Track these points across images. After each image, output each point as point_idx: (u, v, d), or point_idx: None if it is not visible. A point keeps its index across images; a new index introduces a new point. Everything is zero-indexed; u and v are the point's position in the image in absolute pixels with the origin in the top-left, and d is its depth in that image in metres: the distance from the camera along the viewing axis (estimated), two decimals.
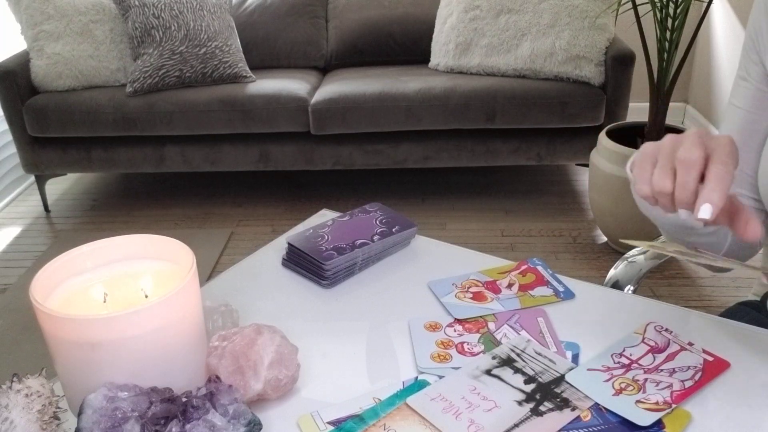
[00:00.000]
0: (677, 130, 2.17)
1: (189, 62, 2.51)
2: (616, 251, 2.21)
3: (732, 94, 0.79)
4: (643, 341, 0.63)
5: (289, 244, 0.78)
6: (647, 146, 0.56)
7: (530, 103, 2.38)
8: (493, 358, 0.62)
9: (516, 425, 0.54)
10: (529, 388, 0.58)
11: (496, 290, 0.73)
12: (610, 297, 0.73)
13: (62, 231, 2.59)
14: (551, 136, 2.46)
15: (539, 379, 0.59)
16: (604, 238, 2.29)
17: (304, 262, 0.76)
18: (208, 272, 2.20)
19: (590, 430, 0.53)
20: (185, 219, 2.62)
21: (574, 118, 2.40)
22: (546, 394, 0.57)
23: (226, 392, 0.51)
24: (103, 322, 0.49)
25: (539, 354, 0.62)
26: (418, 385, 0.59)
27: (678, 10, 1.95)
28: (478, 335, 0.66)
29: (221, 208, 2.68)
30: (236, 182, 2.88)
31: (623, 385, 0.58)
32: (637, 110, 3.02)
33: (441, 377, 0.60)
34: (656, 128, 2.11)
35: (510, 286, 0.74)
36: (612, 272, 0.92)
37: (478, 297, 0.72)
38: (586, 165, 2.50)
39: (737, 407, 0.55)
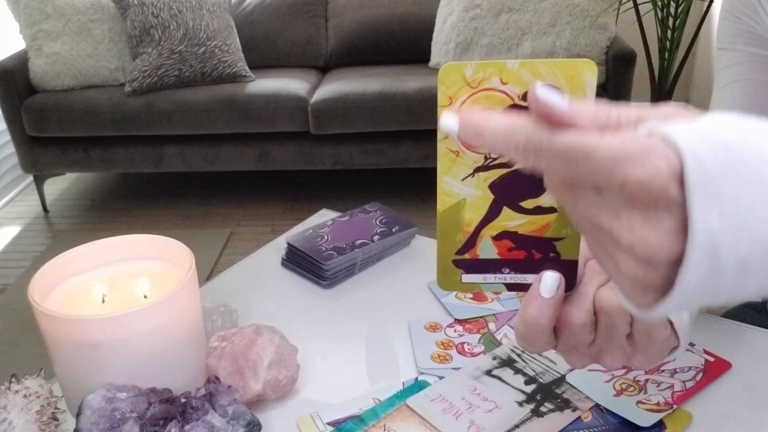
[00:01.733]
0: None
1: (188, 61, 2.51)
2: None
3: (718, 76, 0.74)
4: None
5: (288, 244, 0.78)
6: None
7: None
8: (494, 358, 0.61)
9: (516, 426, 0.53)
10: (530, 388, 0.57)
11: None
12: None
13: (61, 231, 2.59)
14: None
15: (540, 380, 0.58)
16: None
17: (303, 263, 0.76)
18: (207, 272, 2.19)
19: (591, 430, 0.53)
20: (184, 219, 2.62)
21: None
22: (546, 394, 0.57)
23: (225, 393, 0.51)
24: (101, 322, 0.49)
25: (540, 354, 0.62)
26: (418, 386, 0.59)
27: (679, 10, 1.95)
28: (479, 336, 0.65)
29: (220, 208, 2.68)
30: (236, 182, 2.88)
31: (624, 386, 0.57)
32: None
33: (441, 378, 0.59)
34: None
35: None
36: None
37: (478, 297, 0.71)
38: None
39: (738, 408, 0.55)
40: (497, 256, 0.41)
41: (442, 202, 0.40)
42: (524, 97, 0.37)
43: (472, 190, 0.40)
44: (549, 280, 0.40)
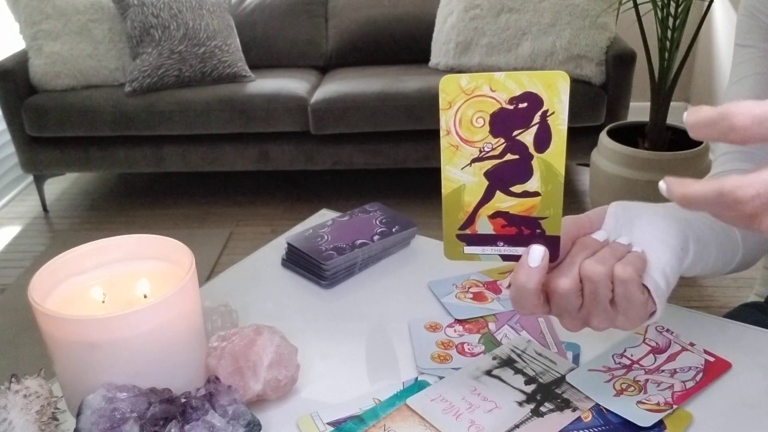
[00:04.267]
0: (679, 130, 2.17)
1: (188, 62, 2.50)
2: None
3: (733, 71, 0.76)
4: (644, 342, 0.63)
5: (288, 244, 0.78)
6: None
7: None
8: (494, 358, 0.61)
9: (516, 426, 0.53)
10: (530, 388, 0.57)
11: (497, 290, 0.73)
12: None
13: (61, 231, 2.59)
14: None
15: (540, 380, 0.58)
16: None
17: (303, 263, 0.76)
18: (207, 272, 2.19)
19: (591, 430, 0.53)
20: (184, 219, 2.62)
21: (575, 118, 2.40)
22: (546, 394, 0.57)
23: (225, 393, 0.51)
24: (101, 322, 0.49)
25: (540, 354, 0.62)
26: (418, 386, 0.59)
27: (679, 9, 1.95)
28: (479, 336, 0.65)
29: (220, 208, 2.68)
30: (235, 182, 2.88)
31: (624, 386, 0.57)
32: (638, 109, 3.02)
33: (441, 378, 0.59)
34: (657, 127, 2.11)
35: (511, 286, 0.73)
36: None
37: (478, 297, 0.71)
38: (587, 165, 2.50)
39: (738, 408, 0.55)
40: (493, 232, 0.49)
41: (446, 186, 0.48)
42: (509, 101, 0.45)
43: (470, 177, 0.47)
44: (535, 252, 0.47)
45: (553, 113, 0.44)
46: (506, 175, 0.46)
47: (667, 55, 2.02)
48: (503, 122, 0.45)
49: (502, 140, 0.46)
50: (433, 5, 2.72)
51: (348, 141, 2.51)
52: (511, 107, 0.45)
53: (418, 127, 2.44)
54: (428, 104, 2.40)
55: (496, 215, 0.48)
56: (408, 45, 2.76)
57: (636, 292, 0.48)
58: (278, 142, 2.53)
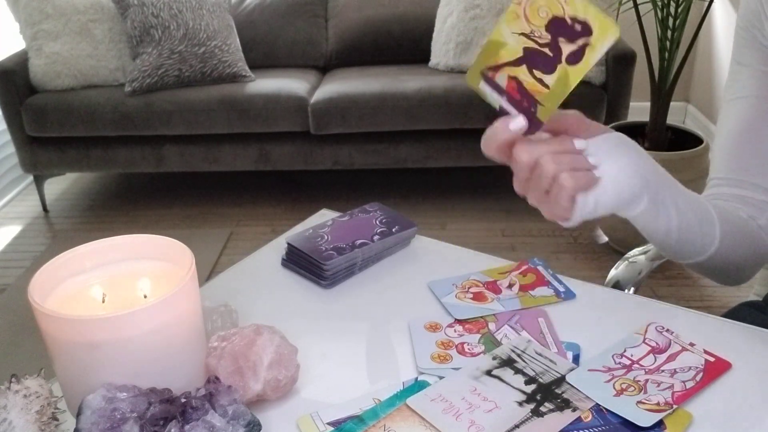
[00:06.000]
0: (679, 130, 2.17)
1: (188, 61, 2.50)
2: (616, 251, 2.20)
3: (728, 88, 0.76)
4: (644, 342, 0.63)
5: (288, 244, 0.78)
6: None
7: None
8: (494, 358, 0.61)
9: (516, 426, 0.53)
10: (530, 388, 0.57)
11: (497, 290, 0.73)
12: (611, 297, 0.72)
13: (61, 231, 2.59)
14: None
15: (540, 380, 0.58)
16: (605, 238, 2.29)
17: (303, 262, 0.76)
18: (207, 272, 2.19)
19: (591, 430, 0.53)
20: (184, 219, 2.62)
21: None
22: (546, 394, 0.57)
23: (225, 393, 0.51)
24: (101, 322, 0.49)
25: (540, 354, 0.62)
26: (418, 386, 0.59)
27: (679, 9, 1.95)
28: (479, 336, 0.65)
29: (220, 208, 2.68)
30: (235, 182, 2.88)
31: (624, 386, 0.57)
32: (639, 110, 3.01)
33: (441, 378, 0.59)
34: (657, 128, 2.11)
35: (510, 286, 0.73)
36: (613, 272, 0.92)
37: (478, 297, 0.71)
38: None
39: (738, 408, 0.55)
40: (504, 87, 0.58)
41: (495, 35, 0.57)
42: (571, 18, 0.53)
43: (514, 43, 0.56)
44: (518, 122, 0.57)
45: (593, 48, 0.52)
46: (537, 60, 0.55)
47: (667, 55, 2.02)
48: (557, 27, 0.54)
49: (549, 37, 0.54)
50: (433, 5, 2.72)
51: (348, 141, 2.51)
52: (569, 21, 0.53)
53: (418, 127, 2.44)
54: (428, 104, 2.40)
55: (513, 79, 0.57)
56: (408, 45, 2.76)
57: (564, 198, 0.57)
58: (278, 142, 2.53)
